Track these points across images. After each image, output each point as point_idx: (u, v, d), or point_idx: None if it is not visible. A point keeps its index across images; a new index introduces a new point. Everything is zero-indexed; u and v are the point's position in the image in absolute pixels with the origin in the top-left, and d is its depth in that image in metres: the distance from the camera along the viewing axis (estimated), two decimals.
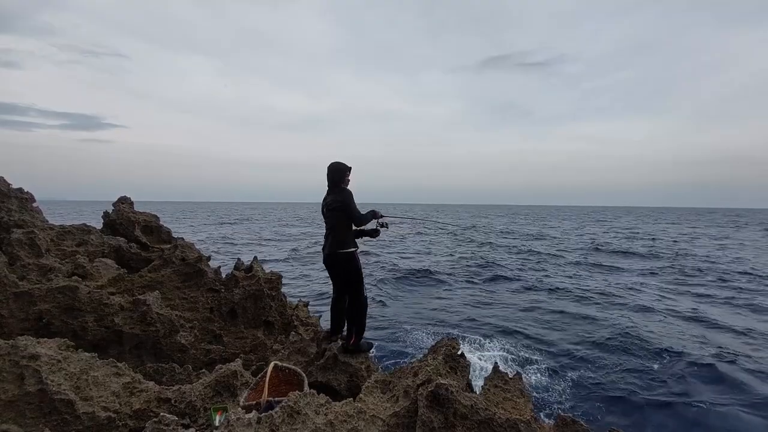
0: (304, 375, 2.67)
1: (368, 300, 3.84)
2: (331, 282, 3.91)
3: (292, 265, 17.34)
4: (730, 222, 66.00)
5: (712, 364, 6.95)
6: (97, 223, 6.54)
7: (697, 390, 6.12)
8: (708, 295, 12.44)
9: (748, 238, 33.91)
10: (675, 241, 30.31)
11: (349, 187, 3.70)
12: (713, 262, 19.20)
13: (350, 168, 3.70)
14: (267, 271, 5.50)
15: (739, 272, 16.43)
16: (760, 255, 22.47)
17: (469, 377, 3.24)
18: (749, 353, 7.51)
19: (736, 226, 52.76)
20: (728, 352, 7.49)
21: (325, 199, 3.71)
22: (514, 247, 25.84)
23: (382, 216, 3.83)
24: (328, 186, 3.69)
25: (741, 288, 13.48)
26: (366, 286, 3.81)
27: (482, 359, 7.23)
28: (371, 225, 3.81)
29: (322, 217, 3.76)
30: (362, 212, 3.65)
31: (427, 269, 16.11)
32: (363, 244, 3.95)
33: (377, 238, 3.94)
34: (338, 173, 3.64)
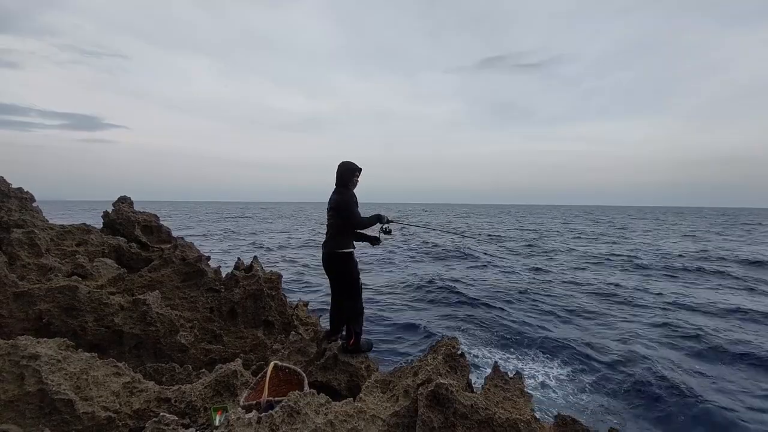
0: (304, 375, 2.67)
1: (365, 300, 3.80)
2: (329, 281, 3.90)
3: (293, 265, 17.34)
4: None
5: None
6: (97, 223, 6.54)
7: (704, 394, 6.10)
8: None
9: None
10: None
11: (357, 188, 3.69)
12: None
13: (360, 169, 3.67)
14: (267, 270, 5.50)
15: None
16: None
17: (469, 377, 3.24)
18: None
19: None
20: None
21: (330, 197, 3.72)
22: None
23: (388, 221, 3.73)
24: (336, 184, 3.67)
25: None
26: (364, 285, 3.78)
27: (483, 358, 7.24)
28: (374, 229, 3.75)
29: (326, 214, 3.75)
30: (367, 215, 3.62)
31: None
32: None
33: (376, 246, 3.82)
34: (347, 172, 3.62)
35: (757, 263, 18.14)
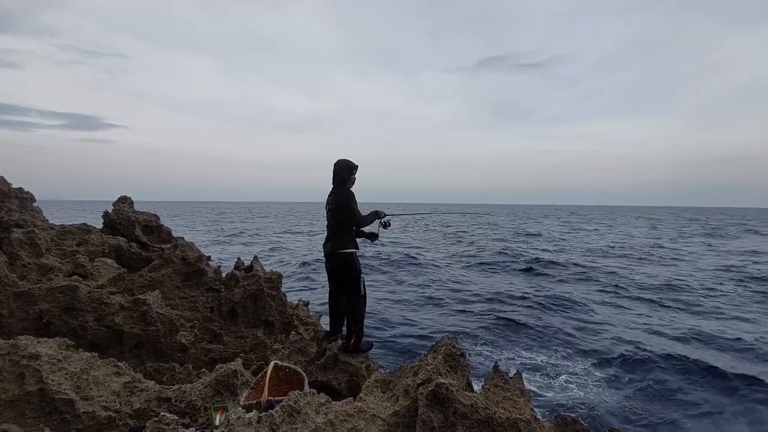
0: (304, 374, 2.67)
1: (367, 299, 3.78)
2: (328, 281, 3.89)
3: (293, 264, 17.34)
4: None
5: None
6: (97, 223, 6.54)
7: (702, 395, 6.09)
8: None
9: None
10: None
11: (354, 185, 3.69)
12: None
13: (357, 166, 3.67)
14: (267, 270, 5.51)
15: None
16: None
17: (469, 376, 3.24)
18: None
19: None
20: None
21: (328, 196, 3.71)
22: None
23: (385, 215, 3.81)
24: (333, 184, 3.67)
25: None
26: (366, 283, 3.77)
27: (484, 357, 7.24)
28: (374, 226, 3.78)
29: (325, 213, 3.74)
30: (364, 213, 3.63)
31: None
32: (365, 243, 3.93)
33: (374, 242, 3.90)
34: (345, 171, 3.61)
35: None
